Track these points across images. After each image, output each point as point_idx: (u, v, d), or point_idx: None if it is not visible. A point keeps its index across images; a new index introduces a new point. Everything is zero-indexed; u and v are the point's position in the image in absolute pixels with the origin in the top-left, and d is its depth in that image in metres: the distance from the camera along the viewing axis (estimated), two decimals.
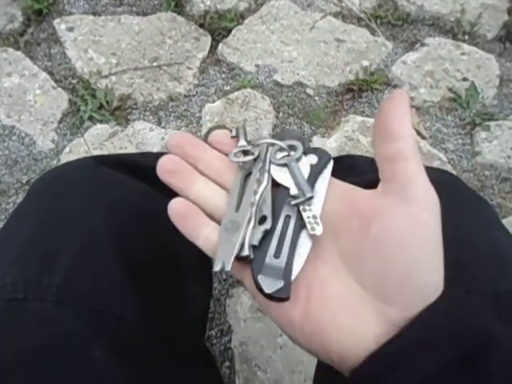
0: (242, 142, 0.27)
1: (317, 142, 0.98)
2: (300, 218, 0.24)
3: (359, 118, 1.01)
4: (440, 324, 0.21)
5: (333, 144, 0.97)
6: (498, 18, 1.17)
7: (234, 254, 0.23)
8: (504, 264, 0.32)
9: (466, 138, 1.01)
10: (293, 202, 0.24)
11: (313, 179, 0.25)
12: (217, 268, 0.23)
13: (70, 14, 1.13)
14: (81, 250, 0.30)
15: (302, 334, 0.23)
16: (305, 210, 0.24)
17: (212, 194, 0.26)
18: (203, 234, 0.25)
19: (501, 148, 0.98)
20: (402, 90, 0.23)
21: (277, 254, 0.23)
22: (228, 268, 0.22)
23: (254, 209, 0.24)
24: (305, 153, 0.26)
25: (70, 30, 1.10)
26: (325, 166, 0.26)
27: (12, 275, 0.28)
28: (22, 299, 0.27)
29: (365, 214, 0.23)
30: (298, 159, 0.26)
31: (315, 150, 0.27)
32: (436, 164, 0.96)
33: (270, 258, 0.23)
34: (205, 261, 0.42)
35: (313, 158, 0.26)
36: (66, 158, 0.94)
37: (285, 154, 0.26)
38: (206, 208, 0.26)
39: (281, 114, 1.02)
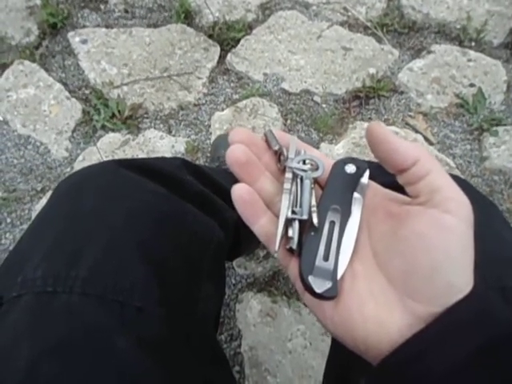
0: (277, 146, 0.29)
1: (324, 148, 0.99)
2: (344, 223, 0.26)
3: (366, 125, 1.02)
4: (467, 315, 0.22)
5: (340, 150, 0.98)
6: (504, 24, 1.17)
7: (279, 238, 0.25)
8: (511, 263, 0.33)
9: (474, 144, 1.01)
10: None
11: (351, 187, 0.27)
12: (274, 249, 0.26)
13: (84, 27, 1.17)
14: (104, 247, 0.31)
15: (331, 322, 0.25)
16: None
17: (272, 189, 0.28)
18: (260, 223, 0.27)
19: (509, 153, 0.98)
20: (373, 123, 0.25)
21: (325, 257, 0.25)
22: (275, 249, 0.25)
23: (291, 197, 0.27)
24: (344, 162, 0.28)
25: (84, 42, 1.13)
26: (362, 175, 0.28)
27: (42, 270, 0.30)
28: (52, 292, 0.28)
29: (395, 217, 0.25)
30: (313, 179, 0.28)
31: (353, 160, 0.29)
32: (444, 169, 0.96)
33: (319, 261, 0.25)
34: (218, 261, 0.43)
35: (351, 168, 0.28)
36: (79, 165, 0.97)
37: (306, 166, 0.28)
38: (264, 199, 0.28)
39: (289, 122, 1.04)
